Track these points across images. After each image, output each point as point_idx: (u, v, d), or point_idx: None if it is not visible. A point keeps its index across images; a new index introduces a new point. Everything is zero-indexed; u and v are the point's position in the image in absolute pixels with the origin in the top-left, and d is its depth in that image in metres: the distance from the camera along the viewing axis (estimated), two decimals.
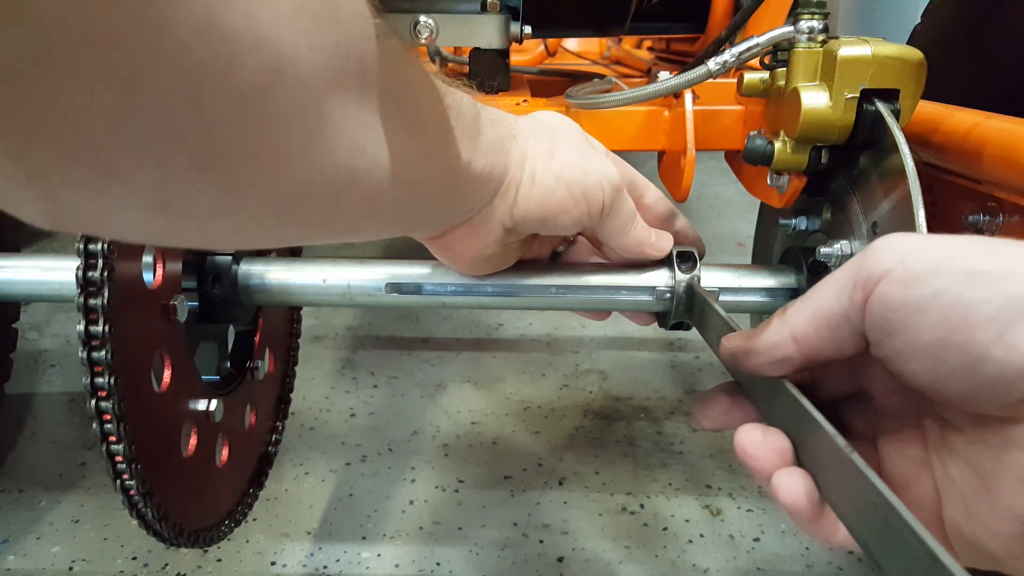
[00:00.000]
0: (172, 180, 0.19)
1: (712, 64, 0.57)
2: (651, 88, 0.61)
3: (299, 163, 0.23)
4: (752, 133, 0.58)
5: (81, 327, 0.43)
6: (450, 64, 0.94)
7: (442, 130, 0.33)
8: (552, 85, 0.91)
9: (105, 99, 0.16)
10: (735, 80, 0.63)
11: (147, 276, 0.48)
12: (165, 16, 0.16)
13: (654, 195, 0.49)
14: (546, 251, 0.52)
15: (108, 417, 0.43)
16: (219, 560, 0.84)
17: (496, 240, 0.42)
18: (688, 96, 0.66)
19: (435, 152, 0.33)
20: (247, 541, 0.86)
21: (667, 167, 0.73)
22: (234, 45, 0.18)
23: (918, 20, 0.76)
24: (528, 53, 1.35)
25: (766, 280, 0.57)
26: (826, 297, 0.29)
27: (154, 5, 0.15)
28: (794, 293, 0.57)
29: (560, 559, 0.84)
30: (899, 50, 0.52)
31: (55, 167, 0.17)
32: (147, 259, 0.48)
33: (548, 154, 0.41)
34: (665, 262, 0.52)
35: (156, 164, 0.19)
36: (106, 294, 0.43)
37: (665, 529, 0.89)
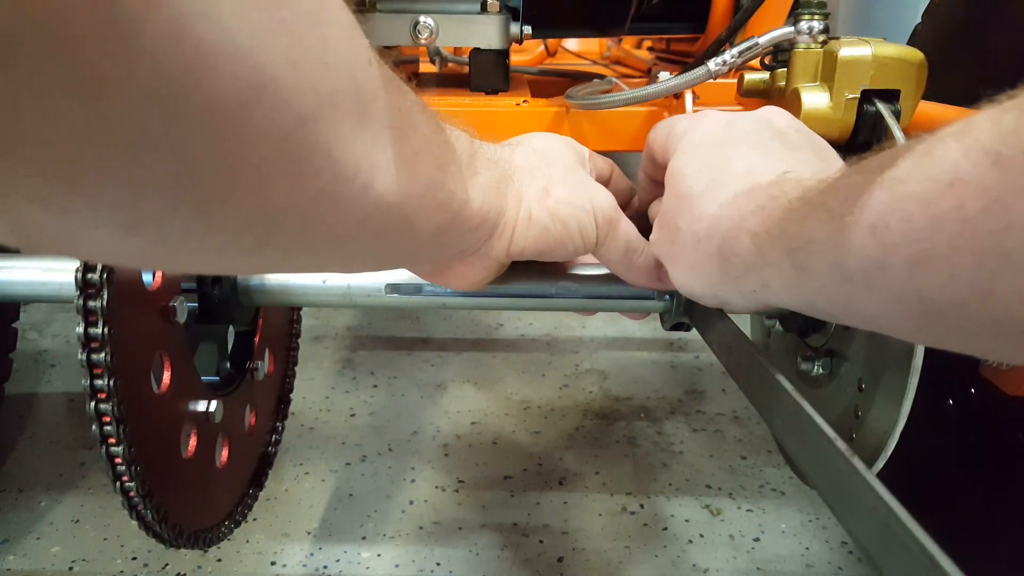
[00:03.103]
0: (143, 198, 0.18)
1: (712, 64, 0.57)
2: (651, 89, 0.61)
3: (281, 185, 0.22)
4: None
5: (81, 329, 0.43)
6: (450, 64, 0.94)
7: (440, 164, 0.32)
8: (552, 85, 0.91)
9: (70, 107, 0.15)
10: (735, 81, 0.63)
11: (146, 277, 0.48)
12: (134, 21, 0.15)
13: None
14: None
15: (108, 419, 0.43)
16: (219, 560, 0.84)
17: (491, 273, 0.42)
18: (688, 97, 0.66)
19: (432, 186, 0.32)
20: (247, 541, 0.86)
21: None
22: (209, 57, 0.17)
23: (918, 20, 0.76)
24: (528, 53, 1.35)
25: None
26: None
27: (122, 8, 0.15)
28: None
29: (560, 559, 0.84)
30: (900, 50, 0.52)
31: (15, 181, 0.16)
32: None
33: (543, 192, 0.41)
34: None
35: (125, 180, 0.18)
36: (105, 296, 0.43)
37: (665, 529, 0.89)
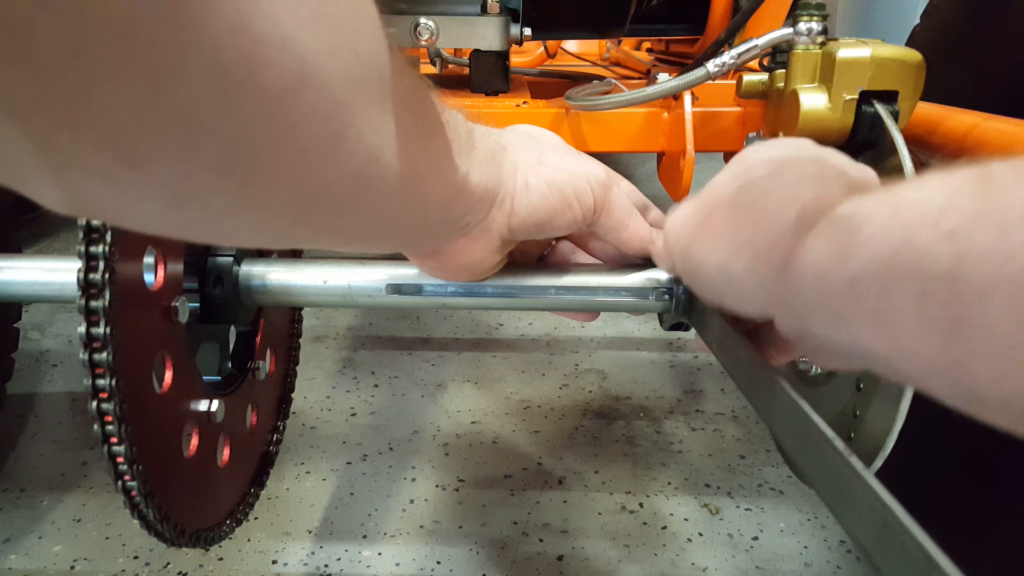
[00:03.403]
0: (193, 176, 0.20)
1: (711, 66, 0.57)
2: (650, 90, 0.61)
3: (318, 168, 0.23)
4: (751, 135, 0.58)
5: (82, 329, 0.43)
6: (450, 66, 0.94)
7: (445, 142, 0.34)
8: (552, 87, 0.92)
9: (134, 94, 0.16)
10: (734, 82, 0.63)
11: (148, 277, 0.48)
12: (197, 15, 0.16)
13: (626, 186, 0.50)
14: (533, 254, 0.52)
15: (110, 419, 0.44)
16: (220, 559, 0.84)
17: (494, 250, 0.43)
18: (687, 98, 0.66)
19: (439, 164, 0.33)
20: (248, 540, 0.87)
21: (666, 168, 0.73)
22: (262, 47, 0.18)
23: (917, 21, 0.77)
24: (528, 55, 1.35)
25: None
26: None
27: (187, 4, 0.16)
28: None
29: (560, 558, 0.85)
30: (898, 51, 0.52)
31: (77, 156, 0.17)
32: (148, 260, 0.48)
33: (537, 162, 0.42)
34: None
35: (179, 160, 0.19)
36: (107, 296, 0.43)
37: (664, 528, 0.90)
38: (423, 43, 0.72)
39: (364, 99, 0.24)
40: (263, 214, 0.24)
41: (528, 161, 0.42)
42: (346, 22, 0.22)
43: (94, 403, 0.43)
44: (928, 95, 0.56)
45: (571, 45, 1.50)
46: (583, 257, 0.53)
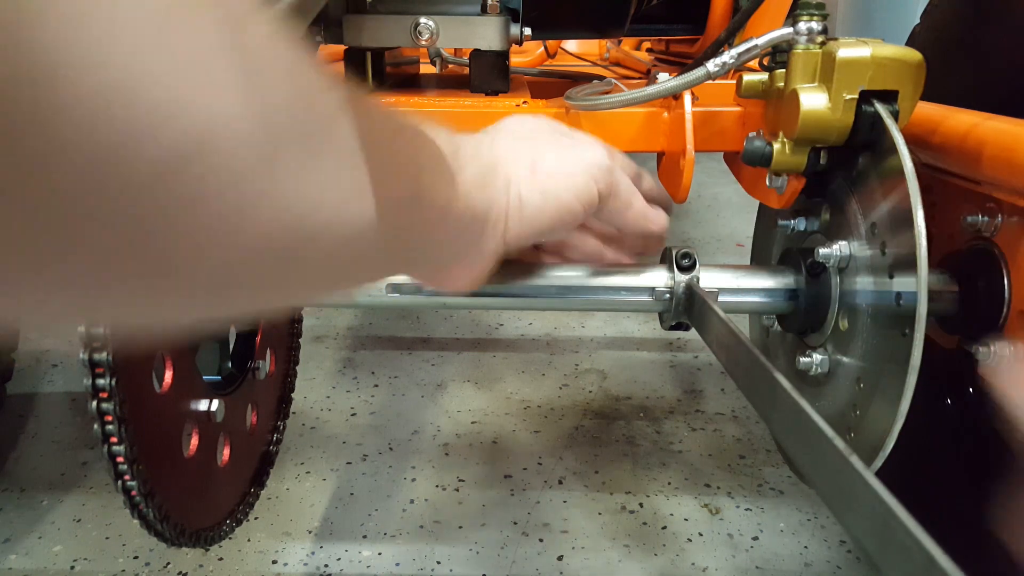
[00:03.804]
0: (85, 275, 0.17)
1: (711, 66, 0.57)
2: (650, 90, 0.61)
3: (241, 231, 0.20)
4: (751, 134, 0.58)
5: (83, 329, 0.43)
6: (450, 66, 0.94)
7: (419, 172, 0.31)
8: (552, 86, 0.92)
9: None
10: (734, 81, 0.63)
11: None
12: (69, 91, 0.13)
13: (621, 159, 0.48)
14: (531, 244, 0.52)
15: (109, 418, 0.44)
16: (220, 559, 0.84)
17: (490, 268, 0.41)
18: (687, 97, 0.66)
19: (414, 196, 0.31)
20: (248, 540, 0.87)
21: (666, 168, 0.73)
22: (145, 119, 0.15)
23: (917, 21, 0.77)
24: (528, 55, 1.35)
25: (765, 281, 0.57)
26: None
27: (55, 77, 0.13)
28: (793, 294, 0.57)
29: (560, 558, 0.85)
30: (898, 51, 0.52)
31: None
32: None
33: (531, 170, 0.40)
34: (664, 262, 0.52)
35: (62, 263, 0.16)
36: None
37: (664, 528, 0.90)
38: (423, 43, 0.72)
39: (290, 152, 0.20)
40: (186, 292, 0.20)
41: (521, 172, 0.40)
42: (249, 75, 0.19)
43: (94, 403, 0.43)
44: (928, 95, 0.56)
45: (571, 45, 1.50)
46: (580, 255, 0.53)
